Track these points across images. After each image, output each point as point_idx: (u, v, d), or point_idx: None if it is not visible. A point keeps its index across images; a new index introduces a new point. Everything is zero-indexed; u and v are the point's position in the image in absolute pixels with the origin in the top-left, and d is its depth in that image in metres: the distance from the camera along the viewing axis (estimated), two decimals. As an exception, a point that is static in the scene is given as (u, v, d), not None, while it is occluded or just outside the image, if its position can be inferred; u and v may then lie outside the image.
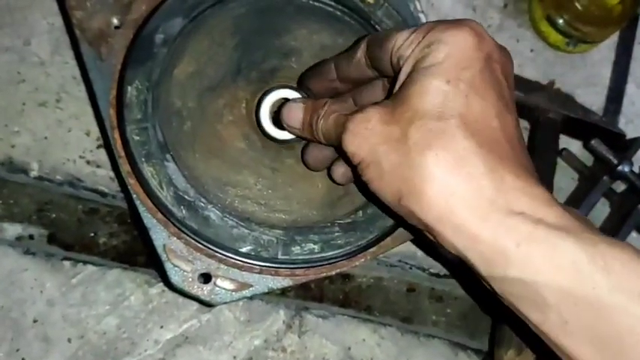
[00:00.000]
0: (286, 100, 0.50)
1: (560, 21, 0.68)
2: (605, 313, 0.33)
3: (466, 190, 0.35)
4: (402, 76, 0.39)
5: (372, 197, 0.41)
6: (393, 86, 0.40)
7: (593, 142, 0.64)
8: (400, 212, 0.38)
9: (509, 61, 0.40)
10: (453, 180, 0.35)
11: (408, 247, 0.60)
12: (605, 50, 0.72)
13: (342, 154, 0.43)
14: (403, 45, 0.40)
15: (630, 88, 0.72)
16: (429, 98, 0.36)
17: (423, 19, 0.57)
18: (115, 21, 0.51)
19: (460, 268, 0.42)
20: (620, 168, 0.63)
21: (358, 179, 0.41)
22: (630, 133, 0.69)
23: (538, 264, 0.34)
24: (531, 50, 0.70)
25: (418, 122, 0.36)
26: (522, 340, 0.54)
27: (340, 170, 0.48)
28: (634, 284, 0.33)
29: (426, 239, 0.39)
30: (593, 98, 0.71)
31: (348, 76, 0.46)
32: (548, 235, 0.34)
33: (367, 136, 0.38)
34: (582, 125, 0.67)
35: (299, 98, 0.49)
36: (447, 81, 0.36)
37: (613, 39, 0.72)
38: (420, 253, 0.63)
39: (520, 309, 0.35)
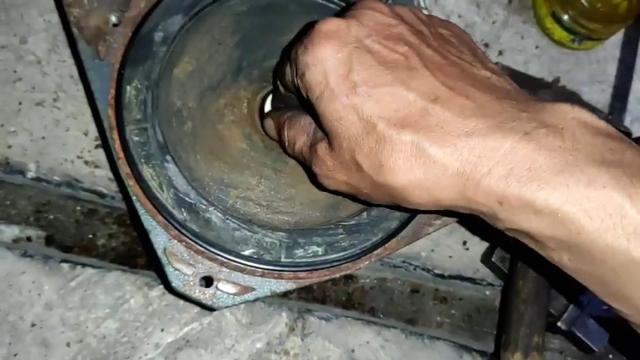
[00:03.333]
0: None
1: (566, 17, 0.67)
2: None
3: (436, 177, 0.35)
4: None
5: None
6: None
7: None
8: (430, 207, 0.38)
9: (383, 13, 0.40)
10: (419, 173, 0.36)
11: (412, 248, 0.59)
12: (611, 47, 0.71)
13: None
14: (291, 77, 0.41)
15: (636, 86, 0.71)
16: (346, 122, 0.37)
17: (427, 16, 0.56)
18: (114, 19, 0.50)
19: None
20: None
21: None
22: (636, 131, 0.68)
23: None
24: (536, 47, 0.69)
25: (357, 148, 0.37)
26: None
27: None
28: None
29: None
30: (598, 96, 0.70)
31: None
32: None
33: (334, 176, 0.40)
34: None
35: (270, 113, 0.50)
36: (346, 95, 0.37)
37: (618, 36, 0.71)
38: (424, 253, 0.62)
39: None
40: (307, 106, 0.41)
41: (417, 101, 0.36)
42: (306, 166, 0.43)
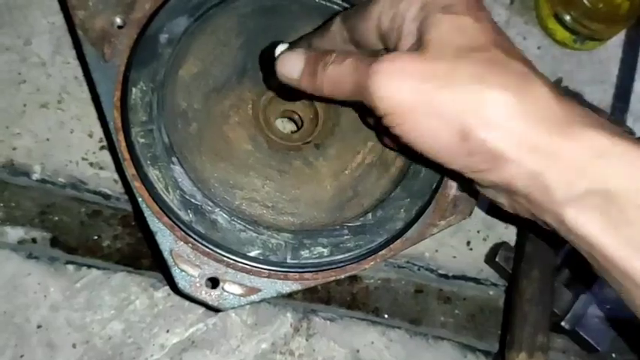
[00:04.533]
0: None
1: (568, 18, 0.67)
2: None
3: (541, 110, 0.34)
4: (410, 25, 0.38)
5: (404, 150, 0.39)
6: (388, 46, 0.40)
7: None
8: (458, 154, 0.36)
9: None
10: (526, 102, 0.34)
11: (416, 248, 0.59)
12: (613, 48, 0.72)
13: (358, 106, 0.41)
14: (394, 2, 0.38)
15: (638, 86, 0.71)
16: (465, 35, 0.36)
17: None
18: (118, 20, 0.50)
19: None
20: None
21: (386, 133, 0.39)
22: (638, 131, 0.68)
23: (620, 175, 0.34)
24: (538, 47, 0.70)
25: (466, 55, 0.35)
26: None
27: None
28: None
29: (483, 184, 0.38)
30: (600, 96, 0.70)
31: None
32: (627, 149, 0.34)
33: (406, 77, 0.35)
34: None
35: (299, 48, 0.43)
36: (475, 19, 0.36)
37: (620, 36, 0.72)
38: (428, 254, 0.62)
39: (593, 233, 0.35)
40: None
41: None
42: (351, 84, 0.38)
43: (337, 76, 0.39)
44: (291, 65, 0.42)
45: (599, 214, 0.34)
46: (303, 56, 0.42)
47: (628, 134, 0.35)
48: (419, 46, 0.37)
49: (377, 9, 0.39)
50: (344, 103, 0.42)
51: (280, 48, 0.44)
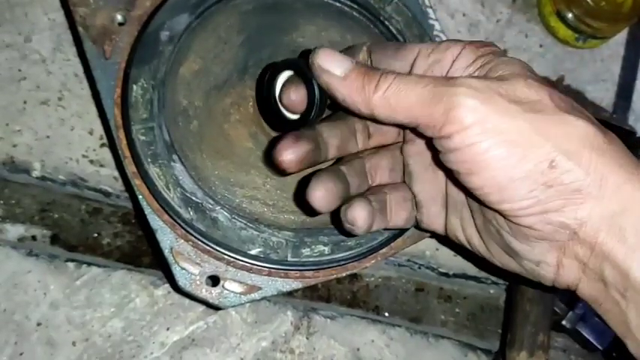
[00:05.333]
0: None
1: (570, 16, 0.67)
2: None
3: (619, 150, 0.35)
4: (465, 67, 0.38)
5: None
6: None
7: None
8: (537, 182, 0.34)
9: None
10: (607, 140, 0.35)
11: (417, 247, 0.59)
12: (615, 46, 0.71)
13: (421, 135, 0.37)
14: (438, 49, 0.39)
15: (640, 85, 0.71)
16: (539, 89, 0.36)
17: (432, 15, 0.56)
18: (119, 17, 0.50)
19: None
20: (631, 166, 0.62)
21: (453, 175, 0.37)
22: (640, 130, 0.68)
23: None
24: (540, 45, 0.69)
25: (547, 91, 0.36)
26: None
27: (361, 214, 0.41)
28: None
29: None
30: (602, 94, 0.70)
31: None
32: None
33: (494, 99, 0.34)
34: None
35: (346, 58, 0.38)
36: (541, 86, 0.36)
37: (623, 34, 0.71)
38: (428, 252, 0.62)
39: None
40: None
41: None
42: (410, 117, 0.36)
43: (401, 92, 0.36)
44: (338, 59, 0.38)
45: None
46: (350, 64, 0.38)
47: None
48: (489, 75, 0.37)
49: (413, 53, 0.40)
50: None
51: (283, 77, 0.43)
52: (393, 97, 0.36)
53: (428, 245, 0.62)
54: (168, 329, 0.55)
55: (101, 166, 0.57)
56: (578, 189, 0.34)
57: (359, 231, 0.42)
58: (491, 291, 0.64)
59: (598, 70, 0.70)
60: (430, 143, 0.38)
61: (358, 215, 0.41)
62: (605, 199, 0.34)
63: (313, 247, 0.48)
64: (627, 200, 0.34)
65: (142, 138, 0.47)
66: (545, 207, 0.35)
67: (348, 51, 0.42)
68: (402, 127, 0.41)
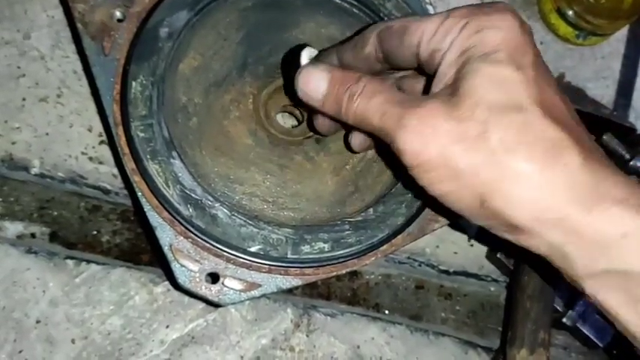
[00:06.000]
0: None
1: (570, 13, 0.67)
2: None
3: (567, 183, 0.33)
4: (447, 69, 0.36)
5: (420, 194, 0.38)
6: (430, 81, 0.38)
7: (605, 137, 0.62)
8: (479, 216, 0.36)
9: None
10: (552, 174, 0.33)
11: (417, 244, 0.59)
12: (616, 43, 0.71)
13: (381, 147, 0.39)
14: (436, 36, 0.36)
15: (640, 82, 0.71)
16: (501, 88, 0.34)
17: (432, 11, 0.56)
18: (118, 14, 0.49)
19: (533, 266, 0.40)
20: (632, 163, 0.62)
21: (406, 176, 0.37)
22: (640, 127, 0.68)
23: None
24: (541, 43, 0.69)
25: (498, 116, 0.33)
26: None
27: (357, 139, 0.46)
28: None
29: (498, 238, 0.37)
30: (603, 91, 0.70)
31: (351, 69, 0.42)
32: None
33: (434, 135, 0.34)
34: (593, 119, 0.66)
35: (321, 63, 0.42)
36: (516, 68, 0.34)
37: (623, 32, 0.71)
38: (428, 249, 0.62)
39: (613, 307, 0.34)
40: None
41: (576, 121, 0.36)
42: (380, 127, 0.37)
43: (364, 113, 0.38)
44: (314, 84, 0.40)
45: (620, 293, 0.33)
46: (327, 75, 0.40)
47: None
48: (453, 92, 0.35)
49: (416, 39, 0.38)
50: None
51: (307, 54, 0.43)
52: (359, 115, 0.38)
53: (428, 243, 0.62)
54: (167, 327, 0.55)
55: (100, 163, 0.56)
56: (515, 225, 0.35)
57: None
58: (492, 288, 0.64)
59: (598, 68, 0.70)
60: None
61: None
62: (543, 233, 0.34)
63: (313, 244, 0.47)
64: (570, 233, 0.34)
65: (141, 135, 0.46)
66: (494, 230, 0.37)
67: (354, 36, 0.42)
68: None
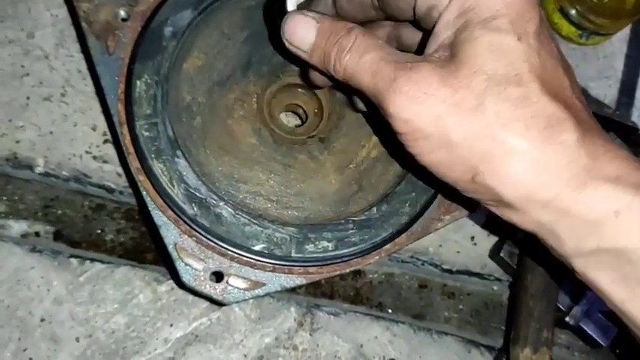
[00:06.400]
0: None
1: (573, 13, 0.67)
2: None
3: (561, 161, 0.32)
4: (445, 30, 0.34)
5: (413, 167, 0.37)
6: (426, 39, 0.36)
7: (608, 136, 0.62)
8: (468, 189, 0.35)
9: None
10: (546, 152, 0.32)
11: (421, 243, 0.59)
12: (618, 43, 0.71)
13: (372, 108, 0.36)
14: None
15: (643, 81, 0.71)
16: (501, 59, 0.32)
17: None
18: (123, 13, 0.50)
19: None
20: (635, 162, 0.62)
21: (397, 146, 0.36)
22: (643, 126, 0.68)
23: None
24: (543, 42, 0.69)
25: (496, 89, 0.32)
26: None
27: (319, 76, 0.44)
28: None
29: (490, 213, 0.36)
30: (605, 91, 0.70)
31: (344, 15, 0.40)
32: None
33: (428, 103, 0.33)
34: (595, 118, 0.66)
35: (309, 10, 0.39)
36: (518, 37, 0.32)
37: (626, 31, 0.71)
38: (432, 248, 0.62)
39: (603, 284, 0.34)
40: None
41: (573, 95, 0.35)
42: (372, 87, 0.35)
43: (354, 70, 0.36)
44: (301, 34, 0.38)
45: (611, 271, 0.33)
46: (316, 24, 0.37)
47: None
48: (451, 57, 0.33)
49: None
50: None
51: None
52: (348, 72, 0.36)
53: (431, 242, 0.62)
54: (171, 325, 0.55)
55: (104, 162, 0.57)
56: (506, 203, 0.34)
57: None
58: (495, 287, 0.64)
59: (601, 67, 0.70)
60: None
61: None
62: (532, 212, 0.34)
63: (317, 243, 0.48)
64: (560, 212, 0.34)
65: (146, 134, 0.47)
66: (483, 203, 0.36)
67: None
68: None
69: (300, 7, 0.41)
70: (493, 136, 0.32)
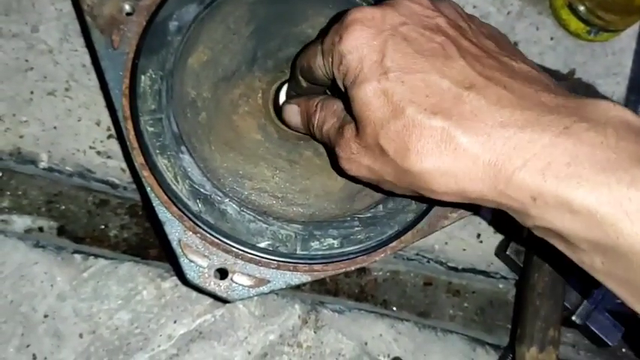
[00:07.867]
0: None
1: (582, 8, 0.66)
2: None
3: (468, 168, 0.34)
4: (345, 94, 0.40)
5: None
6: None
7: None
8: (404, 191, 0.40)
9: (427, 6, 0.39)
10: (447, 160, 0.35)
11: (426, 241, 0.58)
12: (627, 39, 0.70)
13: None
14: (325, 69, 0.41)
15: (652, 78, 0.70)
16: (373, 105, 0.36)
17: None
18: (127, 7, 0.49)
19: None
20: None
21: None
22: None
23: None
24: (551, 38, 0.68)
25: (382, 132, 0.36)
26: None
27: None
28: None
29: (495, 211, 0.39)
30: (614, 88, 0.69)
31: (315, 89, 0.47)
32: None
33: (357, 160, 0.39)
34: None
35: (292, 100, 0.48)
36: (377, 80, 0.36)
37: (635, 28, 0.70)
38: (437, 246, 0.62)
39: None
40: (340, 93, 0.41)
41: (451, 89, 0.35)
42: (331, 148, 0.43)
43: (323, 136, 0.44)
44: (291, 118, 0.48)
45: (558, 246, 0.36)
46: (297, 109, 0.47)
47: None
48: (354, 117, 0.39)
49: (317, 69, 0.42)
50: None
51: (283, 91, 0.50)
52: (324, 137, 0.44)
53: (437, 239, 0.61)
54: (175, 322, 0.54)
55: (108, 157, 0.56)
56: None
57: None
58: (500, 285, 0.63)
59: (609, 64, 0.70)
60: None
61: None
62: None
63: (322, 240, 0.47)
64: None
65: (151, 129, 0.46)
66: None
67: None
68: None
69: (287, 95, 0.50)
70: (407, 170, 0.36)
